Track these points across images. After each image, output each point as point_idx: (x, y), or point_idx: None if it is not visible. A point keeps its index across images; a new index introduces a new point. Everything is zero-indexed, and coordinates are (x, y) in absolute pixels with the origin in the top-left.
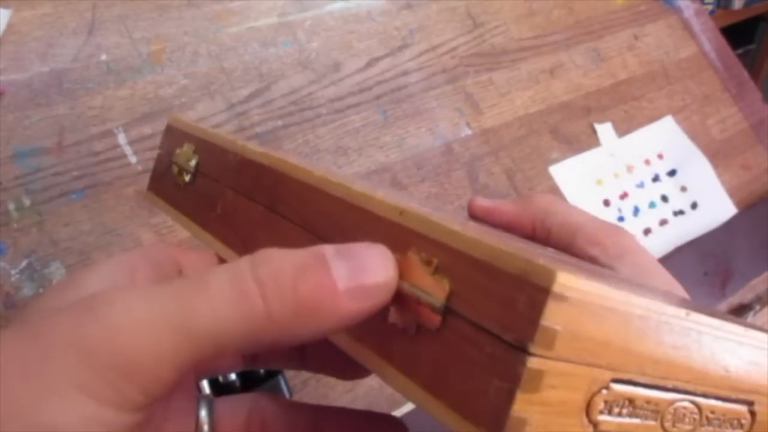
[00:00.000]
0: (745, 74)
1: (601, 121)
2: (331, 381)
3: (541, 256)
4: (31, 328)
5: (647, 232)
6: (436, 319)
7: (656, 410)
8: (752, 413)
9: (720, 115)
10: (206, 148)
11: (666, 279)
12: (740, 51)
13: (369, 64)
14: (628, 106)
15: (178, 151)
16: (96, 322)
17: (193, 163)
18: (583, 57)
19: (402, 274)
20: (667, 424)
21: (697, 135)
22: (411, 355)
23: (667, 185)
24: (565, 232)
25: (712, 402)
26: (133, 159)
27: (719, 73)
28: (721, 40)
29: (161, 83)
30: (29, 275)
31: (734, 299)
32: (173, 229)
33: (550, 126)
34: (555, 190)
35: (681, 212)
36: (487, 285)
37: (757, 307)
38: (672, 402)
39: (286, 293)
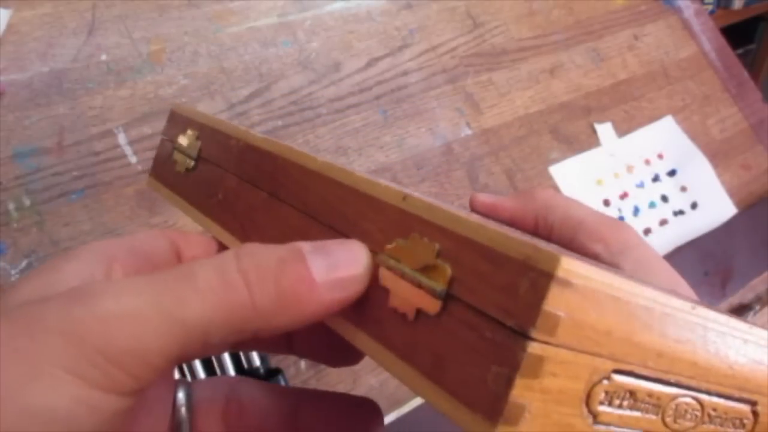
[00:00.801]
0: (745, 74)
1: (601, 121)
2: (332, 380)
3: (545, 244)
4: (21, 313)
5: (647, 232)
6: (436, 305)
7: (658, 404)
8: (755, 413)
9: (720, 115)
10: (209, 134)
11: (670, 275)
12: (740, 51)
13: (369, 64)
14: (628, 106)
15: (180, 136)
16: (86, 310)
17: (195, 148)
18: (583, 57)
19: (403, 258)
20: (668, 420)
21: (697, 135)
22: (410, 340)
23: (667, 185)
24: (567, 227)
25: (715, 399)
26: (133, 159)
27: (719, 73)
28: (721, 40)
29: (161, 83)
30: None
31: (734, 299)
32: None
33: (550, 126)
34: (555, 190)
35: (681, 212)
36: (489, 270)
37: (757, 307)
38: (674, 397)
39: (268, 284)
